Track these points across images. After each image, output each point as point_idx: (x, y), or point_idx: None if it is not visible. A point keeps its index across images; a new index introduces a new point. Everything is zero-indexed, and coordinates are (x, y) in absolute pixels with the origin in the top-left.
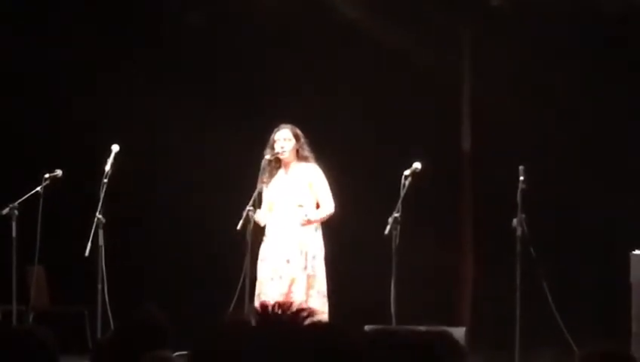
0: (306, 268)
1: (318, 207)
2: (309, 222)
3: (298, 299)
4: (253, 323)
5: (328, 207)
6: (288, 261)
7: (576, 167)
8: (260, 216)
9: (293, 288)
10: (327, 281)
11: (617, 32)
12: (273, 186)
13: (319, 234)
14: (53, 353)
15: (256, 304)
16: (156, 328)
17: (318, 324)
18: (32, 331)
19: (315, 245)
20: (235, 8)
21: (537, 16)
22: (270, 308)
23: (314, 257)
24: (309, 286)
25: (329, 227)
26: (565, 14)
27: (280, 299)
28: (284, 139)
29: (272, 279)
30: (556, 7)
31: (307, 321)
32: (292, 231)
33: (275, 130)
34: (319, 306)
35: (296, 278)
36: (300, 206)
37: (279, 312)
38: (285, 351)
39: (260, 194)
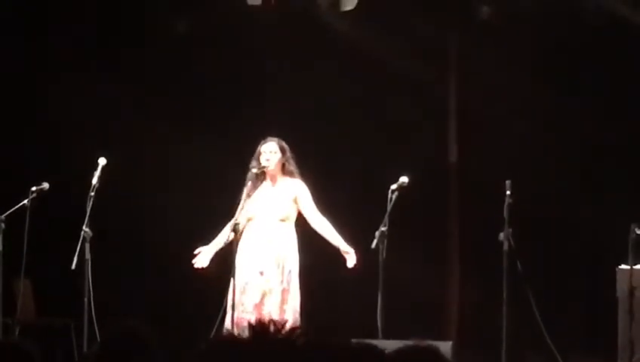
0: (282, 282)
1: (301, 220)
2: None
3: (272, 313)
4: (246, 339)
5: (326, 223)
6: (262, 273)
7: (564, 180)
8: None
9: (265, 301)
10: (302, 296)
11: (603, 42)
12: (256, 198)
13: (296, 249)
14: None
15: (231, 317)
16: (142, 341)
17: (312, 343)
18: (17, 344)
19: (292, 259)
20: (220, 17)
21: (524, 28)
22: (265, 326)
23: (290, 272)
24: (284, 301)
25: (315, 240)
26: (551, 26)
27: (253, 310)
28: (270, 151)
29: (243, 291)
30: (542, 19)
31: (301, 340)
32: (270, 245)
33: (262, 142)
34: (292, 323)
35: (272, 290)
36: (283, 220)
37: (274, 330)
38: None
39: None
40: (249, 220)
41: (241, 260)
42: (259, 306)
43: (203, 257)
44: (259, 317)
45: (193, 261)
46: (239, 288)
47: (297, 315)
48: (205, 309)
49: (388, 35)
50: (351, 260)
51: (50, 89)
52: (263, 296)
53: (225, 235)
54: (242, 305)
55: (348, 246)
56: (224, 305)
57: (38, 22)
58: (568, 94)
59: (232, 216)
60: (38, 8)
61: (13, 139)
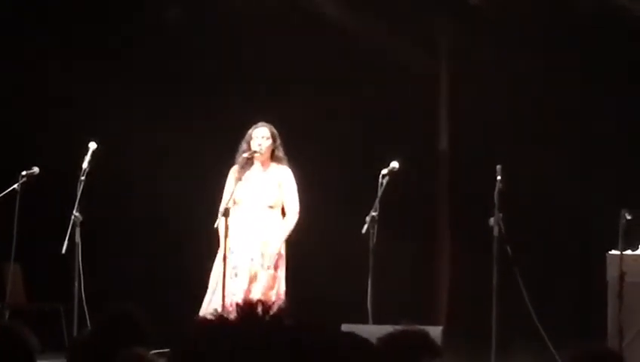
0: (269, 268)
1: (283, 213)
2: (285, 239)
3: (256, 296)
4: (234, 320)
5: (292, 216)
6: (252, 259)
7: (554, 166)
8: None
9: (252, 286)
10: (288, 282)
11: (595, 29)
12: (245, 182)
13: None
14: (32, 351)
15: (210, 300)
16: (134, 325)
17: (300, 324)
18: (10, 328)
19: (278, 246)
20: (211, 6)
21: (514, 15)
22: (253, 307)
23: (278, 257)
24: (270, 287)
25: (306, 225)
26: (542, 14)
27: (239, 296)
28: (261, 136)
29: (236, 275)
30: (533, 7)
31: (289, 321)
32: (257, 231)
33: (254, 126)
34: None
35: (257, 276)
36: (271, 207)
37: (261, 311)
38: (267, 349)
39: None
40: (235, 203)
41: (232, 246)
42: (247, 292)
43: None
44: (244, 299)
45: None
46: (229, 274)
47: (281, 300)
48: (195, 292)
49: (379, 22)
50: (268, 259)
51: (40, 73)
52: (250, 281)
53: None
54: (235, 288)
55: (277, 246)
56: (212, 288)
57: (27, 7)
58: (558, 81)
59: (221, 200)
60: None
61: (3, 124)
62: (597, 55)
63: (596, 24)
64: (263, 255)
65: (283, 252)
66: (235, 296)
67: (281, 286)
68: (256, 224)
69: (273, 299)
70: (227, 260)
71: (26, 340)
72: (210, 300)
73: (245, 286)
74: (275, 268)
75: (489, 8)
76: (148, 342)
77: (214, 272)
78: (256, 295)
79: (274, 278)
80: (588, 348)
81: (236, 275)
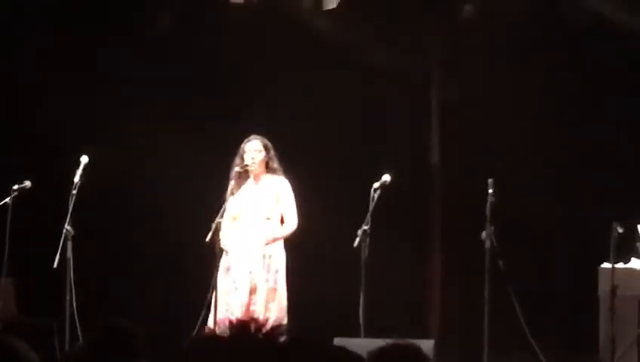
0: (267, 281)
1: (282, 220)
2: (274, 239)
3: (258, 311)
4: (227, 337)
5: (291, 224)
6: (251, 272)
7: (546, 180)
8: (223, 237)
9: (253, 299)
10: (289, 295)
11: (585, 42)
12: (240, 196)
13: (282, 248)
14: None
15: (219, 316)
16: (127, 339)
17: (292, 341)
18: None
19: (279, 259)
20: (201, 14)
21: (507, 29)
22: (246, 325)
23: (277, 271)
24: (270, 300)
25: (298, 239)
26: (534, 26)
27: (240, 309)
28: (254, 150)
29: (236, 289)
30: (525, 20)
31: (282, 338)
32: (256, 244)
33: (245, 140)
34: (278, 320)
35: (257, 289)
36: (268, 218)
37: (254, 329)
38: None
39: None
40: (234, 219)
41: (232, 260)
42: (247, 305)
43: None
44: (245, 316)
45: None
46: (228, 288)
47: (284, 314)
48: (189, 308)
49: (370, 34)
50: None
51: (32, 87)
52: (251, 293)
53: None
54: (227, 304)
55: (273, 234)
56: (206, 304)
57: (17, 21)
58: (550, 94)
59: (217, 215)
60: (18, 8)
61: None
62: (589, 69)
63: (590, 38)
64: (266, 265)
65: (283, 266)
66: (236, 310)
67: (282, 300)
68: (255, 237)
69: (274, 311)
70: (225, 276)
71: (26, 356)
72: (218, 317)
73: (246, 300)
74: (275, 281)
75: (481, 22)
76: (141, 357)
77: (219, 287)
78: (257, 308)
79: (274, 291)
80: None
81: (236, 289)
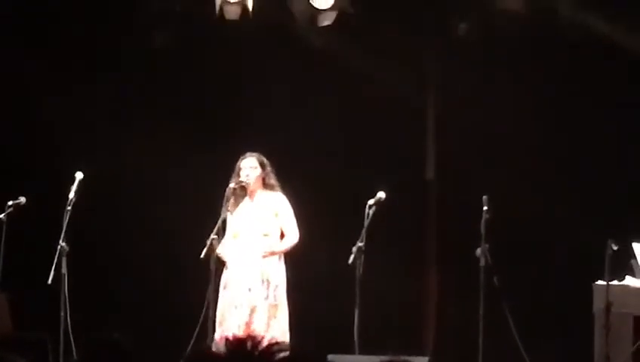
0: (267, 297)
1: (282, 236)
2: (272, 253)
3: (259, 329)
4: (224, 355)
5: (292, 238)
6: (250, 289)
7: (541, 197)
8: (222, 249)
9: (254, 317)
10: (290, 311)
11: (580, 57)
12: (238, 214)
13: (282, 264)
14: None
15: (218, 334)
16: (121, 355)
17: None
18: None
19: (278, 275)
20: (197, 31)
21: (502, 46)
22: (242, 342)
23: (277, 286)
24: (271, 316)
25: (293, 256)
26: (531, 44)
27: (241, 328)
28: (249, 167)
29: (235, 307)
30: (521, 38)
31: (278, 356)
32: (255, 260)
33: (241, 158)
34: (280, 336)
35: (257, 307)
36: (266, 235)
37: (251, 347)
38: None
39: (224, 222)
40: (234, 237)
41: (229, 277)
42: (249, 324)
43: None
44: (246, 333)
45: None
46: (226, 305)
47: (286, 329)
48: (184, 324)
49: (365, 51)
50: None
51: (28, 103)
52: (252, 312)
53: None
54: (225, 321)
55: (275, 248)
56: (201, 320)
57: (16, 34)
58: (547, 110)
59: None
60: (16, 21)
61: None
62: (586, 85)
63: (587, 51)
64: (266, 282)
65: (283, 281)
66: (235, 328)
67: (283, 316)
68: (253, 253)
69: (275, 329)
70: (220, 294)
71: None
72: (221, 334)
73: (247, 319)
74: (275, 297)
75: (476, 38)
76: None
77: (219, 304)
78: (258, 325)
79: (275, 307)
80: None
81: (235, 308)
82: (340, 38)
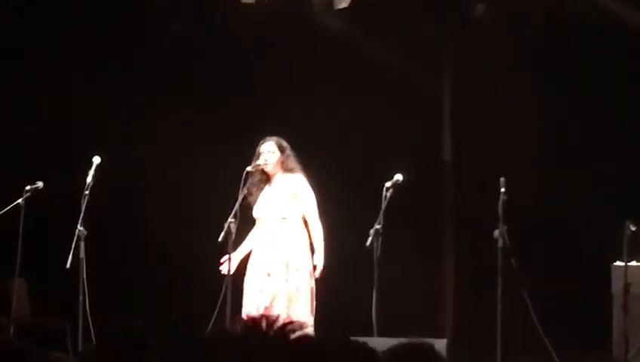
0: (288, 280)
1: (305, 222)
2: (323, 268)
3: (279, 313)
4: (240, 335)
5: (318, 230)
6: (269, 274)
7: (558, 177)
8: (240, 252)
9: (274, 302)
10: (312, 295)
11: (598, 41)
12: (259, 199)
13: (303, 247)
14: None
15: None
16: (140, 340)
17: (303, 338)
18: (13, 343)
19: (300, 258)
20: (218, 20)
21: (518, 27)
22: (257, 322)
23: (297, 270)
24: (293, 299)
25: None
26: (545, 25)
27: (258, 312)
28: (268, 151)
29: (252, 293)
30: (537, 19)
31: (293, 335)
32: (275, 245)
33: (261, 142)
34: (304, 320)
35: (279, 291)
36: (284, 218)
37: (266, 326)
38: None
39: (241, 205)
40: (255, 221)
41: (250, 263)
42: (269, 309)
43: (232, 264)
44: (249, 315)
45: (220, 267)
46: (250, 292)
47: (309, 312)
48: (202, 307)
49: (382, 33)
50: (316, 272)
51: (46, 87)
52: (273, 298)
53: (249, 242)
54: (256, 306)
55: (321, 259)
56: (219, 303)
57: (35, 20)
58: (562, 92)
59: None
60: (36, 6)
61: (8, 138)
62: (601, 68)
63: (599, 36)
64: (285, 266)
65: (304, 265)
66: (247, 313)
67: (305, 302)
68: (273, 238)
69: (296, 312)
70: (244, 279)
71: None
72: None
73: (267, 304)
74: (296, 281)
75: (494, 20)
76: (154, 357)
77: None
78: (278, 310)
79: (296, 291)
80: (595, 358)
81: (253, 293)
82: (356, 20)
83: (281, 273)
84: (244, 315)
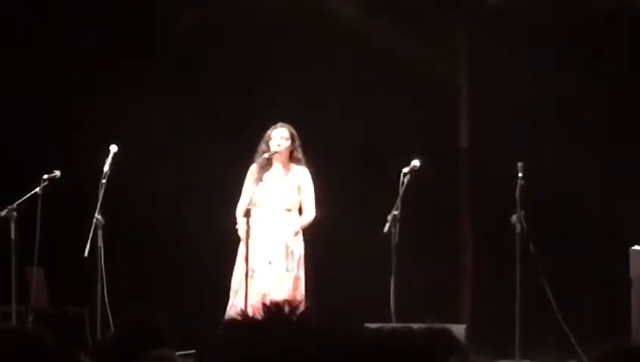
0: (292, 269)
1: (300, 209)
2: (296, 233)
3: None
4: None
5: (309, 215)
6: (270, 262)
7: (575, 163)
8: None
9: (274, 289)
10: (312, 282)
11: (614, 28)
12: (264, 184)
13: (301, 236)
14: (53, 355)
15: (230, 302)
16: (158, 328)
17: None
18: (31, 331)
19: (300, 246)
20: (231, 11)
21: (535, 13)
22: (279, 307)
23: (299, 258)
24: (295, 288)
25: (328, 225)
26: (562, 11)
27: (257, 298)
28: (281, 137)
29: (252, 278)
30: (552, 3)
31: (316, 321)
32: (277, 233)
33: (272, 127)
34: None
35: (279, 279)
36: (289, 210)
37: (288, 311)
38: (295, 349)
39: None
40: (255, 206)
41: (250, 248)
42: (264, 296)
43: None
44: (271, 300)
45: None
46: (244, 276)
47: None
48: (218, 294)
49: (396, 21)
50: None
51: (62, 77)
52: (273, 285)
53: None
54: (241, 291)
55: (299, 223)
56: (234, 289)
57: (48, 11)
58: (579, 76)
59: (239, 200)
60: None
61: (25, 128)
62: (618, 49)
63: (615, 22)
64: (289, 254)
65: (303, 254)
66: (252, 298)
67: (303, 288)
68: (276, 226)
69: (299, 300)
70: (237, 266)
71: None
72: (233, 302)
73: (262, 290)
74: (298, 269)
75: (510, 6)
76: (172, 344)
77: (236, 274)
78: (278, 297)
79: (297, 279)
80: (614, 343)
81: (252, 277)
82: (369, 8)
83: (284, 262)
84: (233, 300)
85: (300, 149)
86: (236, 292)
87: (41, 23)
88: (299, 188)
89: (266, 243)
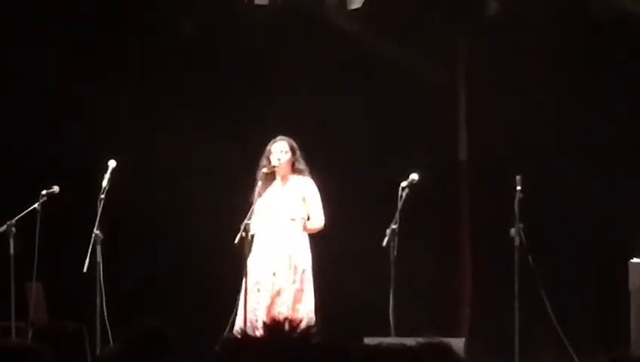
0: (294, 281)
1: (308, 218)
2: (303, 227)
3: (283, 313)
4: (261, 337)
5: (319, 221)
6: (274, 274)
7: (574, 175)
8: (253, 227)
9: (277, 300)
10: (315, 295)
11: (612, 37)
12: (267, 198)
13: (308, 248)
14: None
15: (240, 316)
16: (160, 341)
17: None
18: (29, 347)
19: (305, 259)
20: (227, 17)
21: (532, 25)
22: (279, 324)
23: (304, 271)
24: (297, 301)
25: (326, 238)
26: (560, 22)
27: (262, 311)
28: (280, 151)
29: (258, 290)
30: (550, 16)
31: (316, 339)
32: (281, 244)
33: (272, 141)
34: (306, 322)
35: (283, 291)
36: (293, 219)
37: (288, 329)
38: None
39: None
40: (260, 219)
41: (254, 261)
42: (270, 307)
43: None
44: (268, 318)
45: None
46: (252, 289)
47: (312, 315)
48: (220, 308)
49: (396, 33)
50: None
51: (60, 91)
52: (275, 296)
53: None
54: (257, 303)
55: (307, 224)
56: (236, 306)
57: (46, 23)
58: (578, 88)
59: (244, 217)
60: (46, 10)
61: (24, 142)
62: (618, 61)
63: (614, 32)
64: (292, 266)
65: (310, 266)
66: (258, 310)
67: (309, 302)
68: (280, 237)
69: (301, 313)
70: (248, 277)
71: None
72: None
73: (268, 302)
74: (302, 282)
75: (508, 18)
76: (173, 358)
77: (243, 289)
78: (281, 309)
79: (301, 292)
80: (613, 355)
81: (259, 291)
82: (369, 20)
83: (288, 273)
84: (241, 313)
85: (302, 160)
86: (244, 307)
87: (38, 35)
88: (304, 199)
89: (271, 255)
